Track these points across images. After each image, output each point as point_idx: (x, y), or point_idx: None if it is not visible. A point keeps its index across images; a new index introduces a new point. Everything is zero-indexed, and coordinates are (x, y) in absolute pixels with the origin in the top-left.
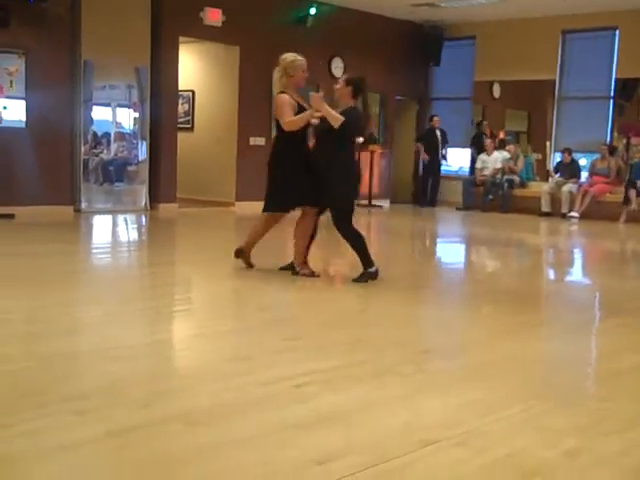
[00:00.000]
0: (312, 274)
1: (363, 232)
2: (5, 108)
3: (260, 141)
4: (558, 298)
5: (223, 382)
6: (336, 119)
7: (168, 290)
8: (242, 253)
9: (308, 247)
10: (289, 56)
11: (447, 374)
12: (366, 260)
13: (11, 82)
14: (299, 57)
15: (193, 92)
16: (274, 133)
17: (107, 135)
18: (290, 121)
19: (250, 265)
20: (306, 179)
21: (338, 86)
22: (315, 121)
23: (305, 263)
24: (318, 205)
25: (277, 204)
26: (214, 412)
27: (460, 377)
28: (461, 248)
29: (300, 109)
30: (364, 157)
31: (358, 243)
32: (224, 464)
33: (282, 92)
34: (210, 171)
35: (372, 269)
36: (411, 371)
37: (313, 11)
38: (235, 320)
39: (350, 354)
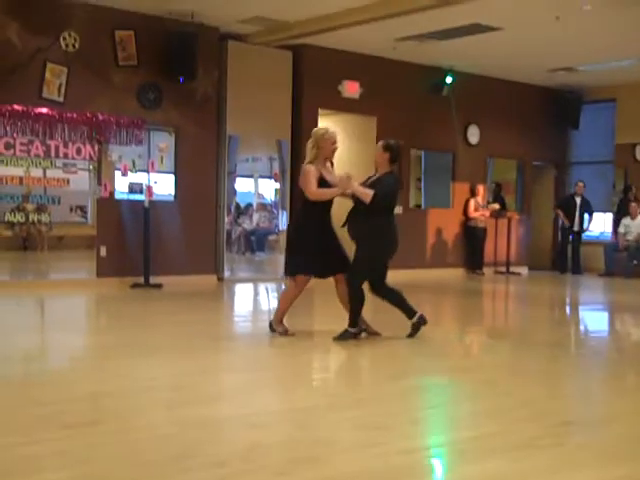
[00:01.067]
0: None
1: (501, 299)
2: (156, 183)
3: (397, 210)
4: None
5: (359, 451)
6: (366, 195)
7: (307, 358)
8: (271, 327)
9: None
10: (321, 129)
11: (588, 448)
12: (354, 320)
13: (162, 158)
14: (330, 130)
15: (332, 162)
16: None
17: (249, 206)
18: (316, 192)
19: (286, 331)
20: (328, 248)
21: (376, 152)
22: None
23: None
24: (343, 270)
25: (301, 268)
26: None
27: (603, 452)
28: (604, 315)
29: (322, 181)
30: (501, 224)
31: (357, 303)
32: None
33: (309, 163)
34: (348, 240)
35: (354, 329)
36: (550, 444)
37: (449, 80)
38: (371, 388)
39: (486, 425)
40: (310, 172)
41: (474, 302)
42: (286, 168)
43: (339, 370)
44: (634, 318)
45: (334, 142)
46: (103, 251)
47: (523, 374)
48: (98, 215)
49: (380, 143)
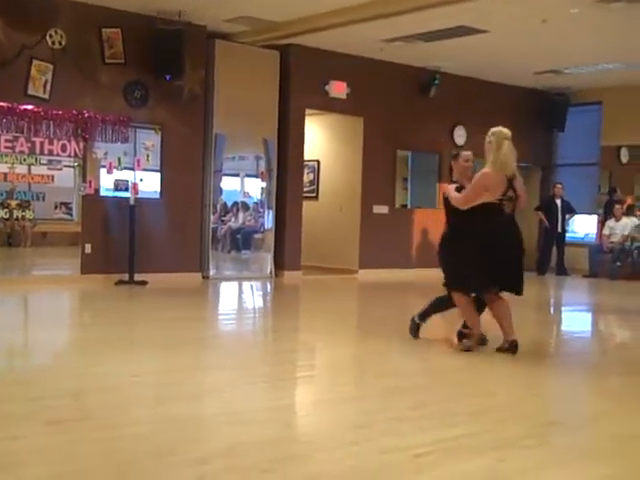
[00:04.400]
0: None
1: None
2: (141, 180)
3: (383, 209)
4: None
5: (342, 450)
6: None
7: (291, 356)
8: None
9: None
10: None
11: (572, 448)
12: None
13: (148, 156)
14: None
15: (318, 162)
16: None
17: (235, 204)
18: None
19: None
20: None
21: (470, 163)
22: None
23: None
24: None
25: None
26: None
27: (586, 452)
28: (588, 317)
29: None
30: None
31: None
32: None
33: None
34: (334, 239)
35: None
36: (534, 444)
37: (436, 81)
38: (357, 387)
39: (471, 424)
40: None
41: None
42: (272, 167)
43: (323, 368)
44: (618, 319)
45: None
46: (88, 248)
47: (508, 374)
48: (83, 212)
49: (468, 153)
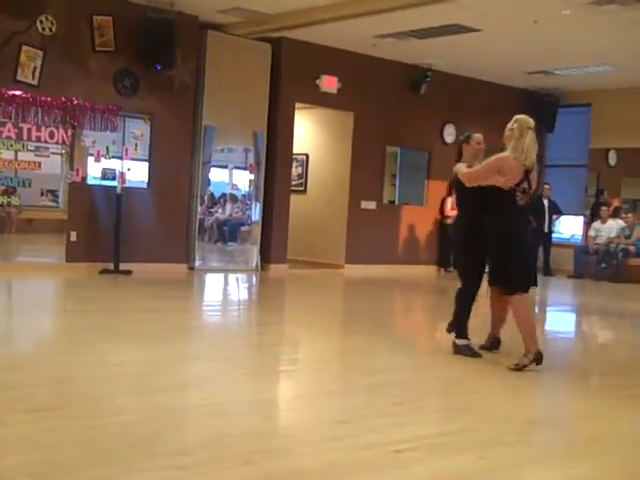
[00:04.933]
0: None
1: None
2: (129, 170)
3: (371, 205)
4: None
5: (323, 444)
6: None
7: (275, 350)
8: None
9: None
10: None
11: (553, 446)
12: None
13: (136, 145)
14: None
15: (307, 156)
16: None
17: (223, 196)
18: None
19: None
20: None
21: (482, 146)
22: None
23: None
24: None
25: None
26: (311, 475)
27: (565, 450)
28: (571, 317)
29: None
30: None
31: None
32: None
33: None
34: (321, 233)
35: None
36: (515, 441)
37: (427, 78)
38: (340, 382)
39: (454, 421)
40: None
41: (445, 299)
42: (261, 160)
43: (307, 362)
44: (600, 321)
45: None
46: (73, 236)
47: (490, 372)
48: (69, 199)
49: (479, 136)
